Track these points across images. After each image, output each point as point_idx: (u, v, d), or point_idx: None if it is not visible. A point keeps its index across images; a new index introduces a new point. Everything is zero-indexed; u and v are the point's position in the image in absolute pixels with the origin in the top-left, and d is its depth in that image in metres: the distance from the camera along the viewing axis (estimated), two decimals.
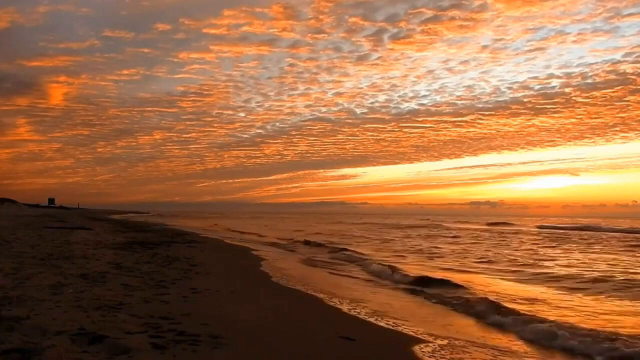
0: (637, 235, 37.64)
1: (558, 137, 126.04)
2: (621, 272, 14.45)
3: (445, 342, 6.54)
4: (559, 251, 22.68)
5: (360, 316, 7.96)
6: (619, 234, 39.45)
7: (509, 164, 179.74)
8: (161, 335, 5.25)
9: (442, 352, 6.02)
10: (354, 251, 20.00)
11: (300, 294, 9.74)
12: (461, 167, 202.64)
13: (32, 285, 7.61)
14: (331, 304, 8.84)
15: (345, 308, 8.52)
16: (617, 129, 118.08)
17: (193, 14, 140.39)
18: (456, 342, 6.57)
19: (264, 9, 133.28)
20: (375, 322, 7.60)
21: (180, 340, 5.11)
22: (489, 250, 22.49)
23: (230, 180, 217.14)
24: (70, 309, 6.12)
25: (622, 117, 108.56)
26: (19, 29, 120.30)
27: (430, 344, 6.34)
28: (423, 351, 5.99)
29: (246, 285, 10.44)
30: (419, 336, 6.77)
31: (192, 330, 5.50)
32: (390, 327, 7.28)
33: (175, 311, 6.51)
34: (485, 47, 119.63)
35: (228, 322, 6.30)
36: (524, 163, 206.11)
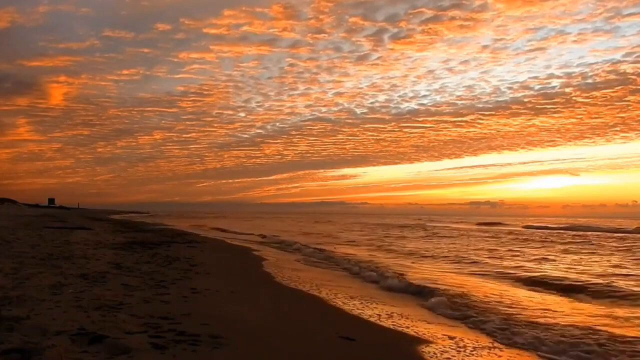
0: (622, 234, 37.80)
1: (558, 137, 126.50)
2: (561, 270, 15.26)
3: (451, 342, 6.54)
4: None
5: (361, 316, 7.96)
6: (605, 233, 39.73)
7: (509, 164, 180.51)
8: (161, 335, 5.25)
9: (448, 353, 6.02)
10: (330, 250, 20.88)
11: (301, 294, 9.74)
12: (461, 167, 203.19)
13: (32, 285, 7.60)
14: (332, 303, 8.84)
15: (346, 308, 8.52)
16: (617, 128, 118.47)
17: (193, 13, 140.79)
18: (458, 342, 6.56)
19: (264, 8, 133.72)
20: (375, 322, 7.60)
21: (180, 340, 5.10)
22: (453, 247, 24.32)
23: (230, 180, 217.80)
24: (70, 309, 6.12)
25: (622, 117, 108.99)
26: (19, 29, 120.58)
27: (432, 344, 6.34)
28: (423, 351, 5.99)
29: (246, 285, 10.43)
30: (420, 336, 6.77)
31: (192, 330, 5.50)
32: (391, 327, 7.28)
33: (175, 311, 6.50)
34: (485, 47, 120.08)
35: (228, 322, 6.29)
36: (524, 163, 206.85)
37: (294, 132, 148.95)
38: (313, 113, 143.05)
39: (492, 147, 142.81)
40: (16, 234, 19.04)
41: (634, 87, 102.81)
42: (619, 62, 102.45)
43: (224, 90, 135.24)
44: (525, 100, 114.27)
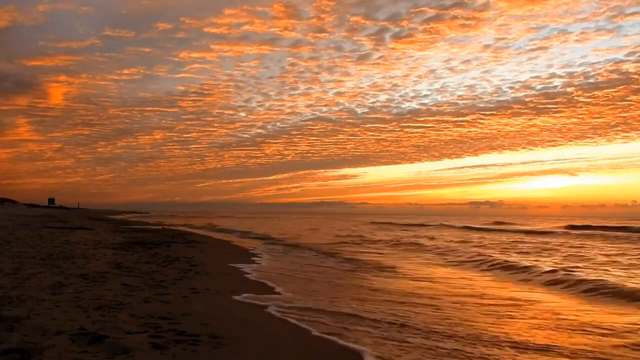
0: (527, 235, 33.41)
1: (559, 137, 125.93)
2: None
3: None
4: None
5: None
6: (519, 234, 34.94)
7: (510, 164, 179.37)
8: (161, 335, 5.25)
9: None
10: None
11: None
12: (462, 167, 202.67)
13: (32, 285, 7.60)
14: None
15: None
16: (619, 128, 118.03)
17: (194, 13, 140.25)
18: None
19: (265, 7, 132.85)
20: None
21: (180, 340, 5.10)
22: None
23: (231, 180, 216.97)
24: (70, 309, 6.12)
25: (624, 117, 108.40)
26: (19, 28, 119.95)
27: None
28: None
29: (246, 285, 10.41)
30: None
31: (192, 330, 5.50)
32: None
33: (175, 311, 6.50)
34: (487, 46, 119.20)
35: (228, 322, 6.29)
36: (525, 163, 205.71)
37: (294, 132, 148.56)
38: (314, 113, 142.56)
39: (493, 147, 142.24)
40: (16, 234, 19.04)
41: (636, 86, 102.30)
42: (622, 61, 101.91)
43: (225, 90, 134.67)
44: (527, 100, 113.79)
